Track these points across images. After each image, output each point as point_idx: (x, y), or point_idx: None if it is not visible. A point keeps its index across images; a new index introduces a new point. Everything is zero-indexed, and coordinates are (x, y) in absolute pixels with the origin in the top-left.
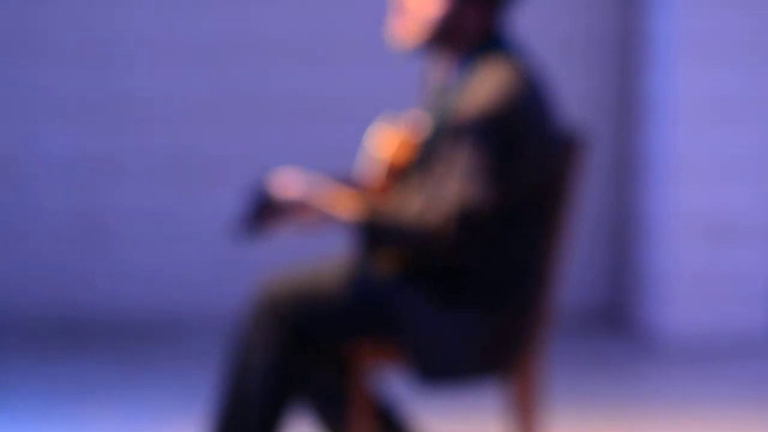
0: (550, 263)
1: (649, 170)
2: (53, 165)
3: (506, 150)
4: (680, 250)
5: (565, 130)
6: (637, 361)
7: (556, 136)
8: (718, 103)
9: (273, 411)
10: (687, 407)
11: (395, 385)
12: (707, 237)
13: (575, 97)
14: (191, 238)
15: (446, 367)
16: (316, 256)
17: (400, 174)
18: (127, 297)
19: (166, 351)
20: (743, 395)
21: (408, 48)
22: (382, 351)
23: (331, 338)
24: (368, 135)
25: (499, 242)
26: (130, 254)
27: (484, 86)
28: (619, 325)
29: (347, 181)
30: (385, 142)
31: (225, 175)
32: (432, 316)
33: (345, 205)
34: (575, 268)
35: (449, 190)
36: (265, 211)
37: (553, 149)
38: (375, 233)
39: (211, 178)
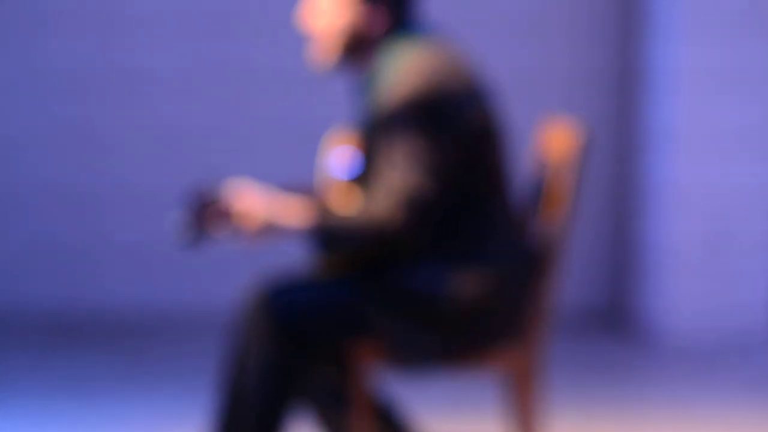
0: (549, 260)
1: (649, 148)
2: (55, 156)
3: (435, 129)
4: (681, 250)
5: (564, 128)
6: (637, 360)
7: (487, 107)
8: (720, 80)
9: (272, 411)
10: (687, 407)
11: (395, 385)
12: (707, 236)
13: (576, 75)
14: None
15: (421, 355)
16: (309, 259)
17: (352, 180)
18: (127, 296)
19: (166, 351)
20: (743, 395)
21: (328, 68)
22: (381, 351)
23: (329, 338)
24: (321, 146)
25: (450, 223)
26: (130, 252)
27: (401, 71)
28: (619, 324)
29: (301, 188)
30: (337, 152)
31: (230, 162)
32: (396, 308)
33: (294, 214)
34: (575, 266)
35: (390, 180)
36: (205, 214)
37: (486, 122)
38: (326, 235)
39: (216, 166)
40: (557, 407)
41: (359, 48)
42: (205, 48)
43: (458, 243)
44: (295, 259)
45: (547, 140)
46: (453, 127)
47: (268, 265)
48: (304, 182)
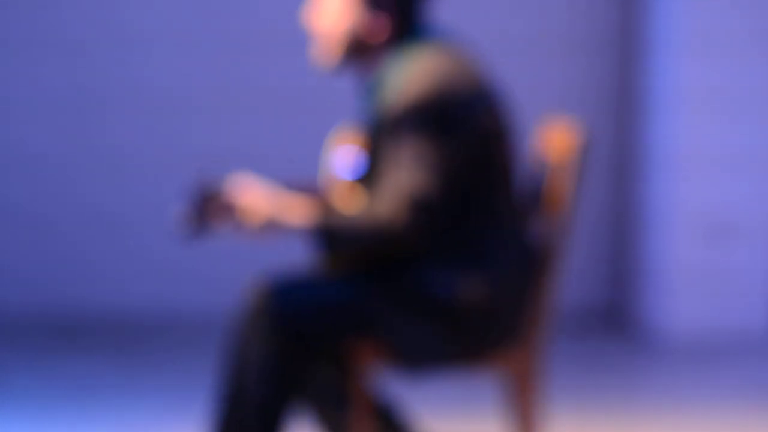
0: (549, 260)
1: (649, 167)
2: (57, 159)
3: (441, 132)
4: (680, 249)
5: (564, 128)
6: (637, 360)
7: (495, 110)
8: (719, 96)
9: (272, 411)
10: (687, 407)
11: (395, 385)
12: (707, 234)
13: (575, 93)
14: (187, 244)
15: (424, 355)
16: (311, 258)
17: (356, 180)
18: (126, 296)
19: (166, 351)
20: (743, 394)
21: (330, 68)
22: (381, 351)
23: (330, 338)
24: (326, 144)
25: (454, 225)
26: (130, 252)
27: (409, 73)
28: (619, 324)
29: (308, 188)
30: (342, 151)
31: (234, 171)
32: (399, 309)
33: (297, 212)
34: (575, 267)
35: (395, 181)
36: (207, 207)
37: (500, 117)
38: (329, 234)
39: (220, 174)
40: (557, 407)
41: (361, 52)
42: (209, 61)
43: (464, 244)
44: (296, 258)
45: (547, 141)
46: (461, 130)
47: (269, 265)
48: (307, 180)
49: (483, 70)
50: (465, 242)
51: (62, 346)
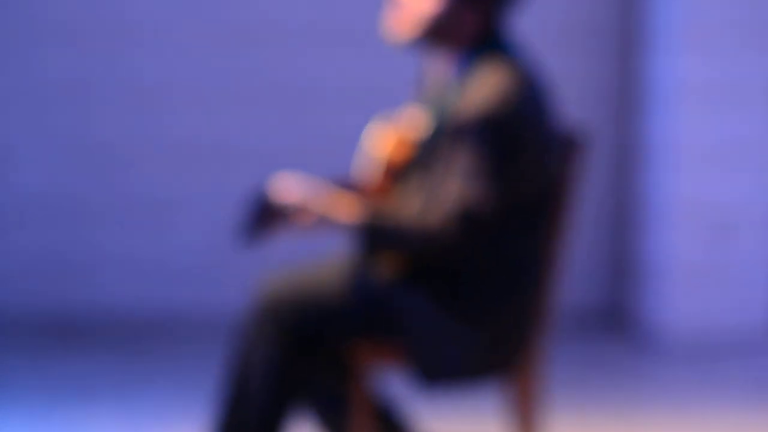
0: (551, 262)
1: (649, 165)
2: (53, 156)
3: (506, 151)
4: (680, 246)
5: (565, 131)
6: (637, 360)
7: (556, 138)
8: (718, 91)
9: (274, 412)
10: (687, 406)
11: (395, 385)
12: (707, 232)
13: (574, 87)
14: (193, 236)
15: (447, 369)
16: (316, 256)
17: (398, 174)
18: (127, 296)
19: (166, 352)
20: (743, 394)
21: (402, 42)
22: (382, 351)
23: (332, 339)
24: (365, 134)
25: (500, 243)
26: (130, 252)
27: (485, 87)
28: (619, 324)
29: (346, 183)
30: (383, 140)
31: (229, 165)
32: (433, 319)
33: (344, 208)
34: (576, 267)
35: (450, 191)
36: (265, 217)
37: (554, 151)
38: (375, 236)
39: (215, 168)
40: (557, 407)
41: (442, 38)
42: (213, 58)
43: (504, 264)
44: (298, 256)
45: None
46: (522, 154)
47: (273, 263)
48: (347, 177)
49: (550, 91)
50: (505, 262)
51: (62, 346)
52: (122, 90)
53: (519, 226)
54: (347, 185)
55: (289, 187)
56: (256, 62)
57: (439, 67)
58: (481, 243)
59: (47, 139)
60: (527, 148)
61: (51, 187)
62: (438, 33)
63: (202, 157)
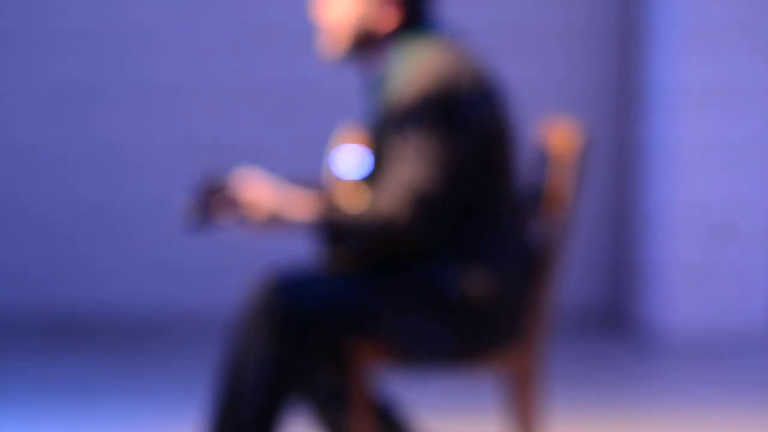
0: (549, 259)
1: (649, 166)
2: (56, 156)
3: (447, 127)
4: (680, 249)
5: (564, 128)
6: (637, 360)
7: (499, 108)
8: (719, 93)
9: (269, 409)
10: (687, 406)
11: (395, 385)
12: (707, 233)
13: (575, 88)
14: (192, 237)
15: (425, 345)
16: (313, 255)
17: (360, 177)
18: (126, 295)
19: (166, 350)
20: (743, 394)
21: (337, 58)
22: (381, 351)
23: (330, 337)
24: (330, 143)
25: (461, 216)
26: (130, 252)
27: (414, 69)
28: (619, 324)
29: (311, 185)
30: (345, 149)
31: (229, 166)
32: (403, 305)
33: (301, 207)
34: (575, 267)
35: (399, 176)
36: (212, 200)
37: (501, 118)
38: (333, 230)
39: (215, 169)
40: (557, 407)
41: (369, 43)
42: (217, 60)
43: (466, 241)
44: (297, 254)
45: (547, 139)
46: (465, 126)
47: (270, 263)
48: (311, 177)
49: (487, 67)
50: (467, 239)
51: (62, 346)
52: (126, 92)
53: (474, 203)
54: (309, 185)
55: (247, 182)
56: (259, 64)
57: (366, 63)
58: (436, 224)
59: (50, 139)
60: (467, 121)
61: (52, 187)
62: (364, 38)
63: (203, 158)
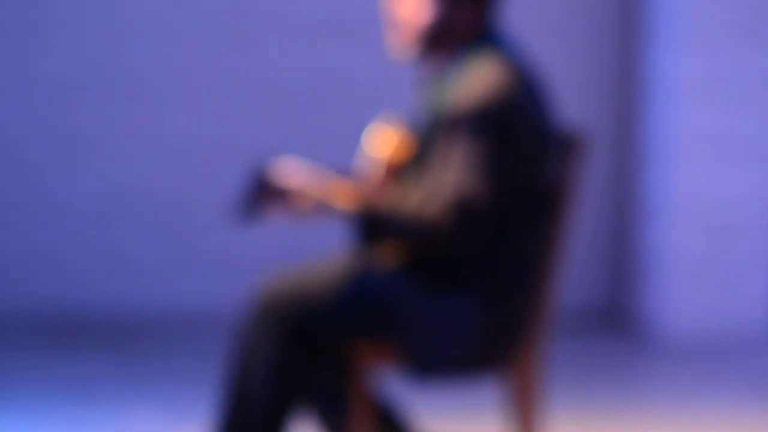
0: (550, 258)
1: (648, 161)
2: (53, 154)
3: (501, 142)
4: (680, 246)
5: (565, 128)
6: (637, 360)
7: (552, 130)
8: (718, 89)
9: (275, 412)
10: (687, 407)
11: (395, 385)
12: (707, 231)
13: (575, 83)
14: (193, 236)
15: (442, 361)
16: (317, 253)
17: (398, 172)
18: (127, 295)
19: (166, 351)
20: (743, 393)
21: (408, 57)
22: (381, 351)
23: (332, 338)
24: (366, 134)
25: (497, 234)
26: (130, 252)
27: (478, 80)
28: (619, 324)
29: (347, 174)
30: (383, 141)
31: (227, 163)
32: (429, 307)
33: (343, 196)
34: (575, 266)
35: (446, 182)
36: (262, 194)
37: (550, 143)
38: (372, 225)
39: (214, 166)
40: (557, 407)
41: (442, 43)
42: (211, 54)
43: (501, 256)
44: (298, 254)
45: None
46: (516, 143)
47: (271, 263)
48: (344, 166)
49: (543, 84)
50: (502, 254)
51: (61, 346)
52: (116, 86)
53: (517, 220)
54: (348, 175)
55: (290, 171)
56: (255, 59)
57: (435, 64)
58: (478, 235)
59: (44, 136)
60: (521, 139)
61: (49, 186)
62: (438, 38)
63: (201, 155)
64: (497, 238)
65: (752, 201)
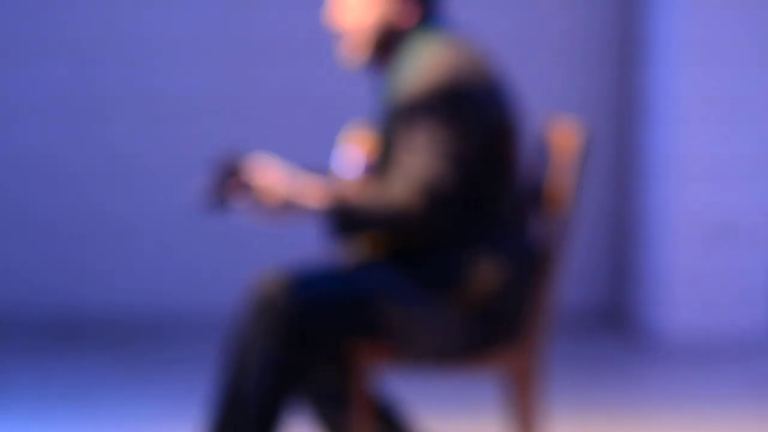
0: (550, 260)
1: (649, 169)
2: (57, 160)
3: (457, 121)
4: (680, 250)
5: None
6: (637, 361)
7: (507, 105)
8: (719, 102)
9: (270, 410)
10: (687, 407)
11: (395, 385)
12: (707, 236)
13: (575, 98)
14: (191, 235)
15: (429, 347)
16: (314, 253)
17: (369, 170)
18: (126, 295)
19: (165, 351)
20: (743, 395)
21: (359, 63)
22: (381, 351)
23: (331, 337)
24: (339, 140)
25: (466, 215)
26: (130, 252)
27: (426, 63)
28: (619, 325)
29: (323, 173)
30: (354, 144)
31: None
32: (411, 296)
33: (313, 194)
34: (575, 268)
35: (409, 167)
36: (229, 182)
37: (513, 115)
38: (344, 218)
39: (231, 152)
40: (557, 407)
41: (390, 42)
42: (216, 66)
43: (472, 233)
44: (297, 254)
45: (548, 140)
46: (475, 121)
47: (270, 263)
48: (322, 166)
49: (494, 64)
50: (473, 231)
51: (62, 346)
52: (132, 101)
53: (480, 196)
54: (322, 173)
55: (261, 168)
56: (264, 74)
57: (386, 63)
58: (448, 215)
59: (53, 144)
60: (475, 116)
61: (52, 190)
62: (385, 38)
63: (205, 164)
64: (469, 213)
65: (751, 209)
